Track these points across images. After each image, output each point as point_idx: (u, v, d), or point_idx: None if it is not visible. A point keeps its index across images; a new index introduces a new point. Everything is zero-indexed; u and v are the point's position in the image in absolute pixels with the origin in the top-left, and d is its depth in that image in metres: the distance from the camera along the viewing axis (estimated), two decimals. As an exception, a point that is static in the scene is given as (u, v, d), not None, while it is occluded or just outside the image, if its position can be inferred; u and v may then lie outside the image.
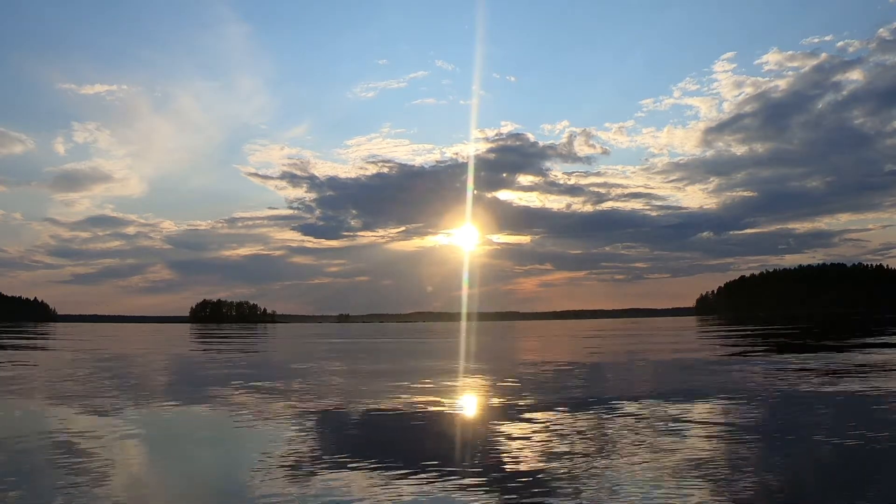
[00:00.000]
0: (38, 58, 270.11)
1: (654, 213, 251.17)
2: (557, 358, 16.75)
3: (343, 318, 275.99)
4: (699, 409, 8.18)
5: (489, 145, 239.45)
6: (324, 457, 5.76)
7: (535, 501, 4.38)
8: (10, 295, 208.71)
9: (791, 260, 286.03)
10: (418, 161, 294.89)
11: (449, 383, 11.08)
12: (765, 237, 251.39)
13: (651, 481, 4.81)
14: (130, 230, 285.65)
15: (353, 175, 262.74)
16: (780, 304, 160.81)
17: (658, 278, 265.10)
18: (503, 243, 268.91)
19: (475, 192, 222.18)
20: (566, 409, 8.27)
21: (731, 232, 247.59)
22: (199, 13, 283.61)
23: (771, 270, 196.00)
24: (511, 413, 8.07)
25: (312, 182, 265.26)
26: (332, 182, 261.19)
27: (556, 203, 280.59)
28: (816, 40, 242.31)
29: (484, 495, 4.56)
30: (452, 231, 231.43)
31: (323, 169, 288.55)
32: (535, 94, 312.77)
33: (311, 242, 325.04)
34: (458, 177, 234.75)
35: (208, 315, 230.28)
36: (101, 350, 25.05)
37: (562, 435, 6.60)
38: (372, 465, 5.43)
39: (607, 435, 6.58)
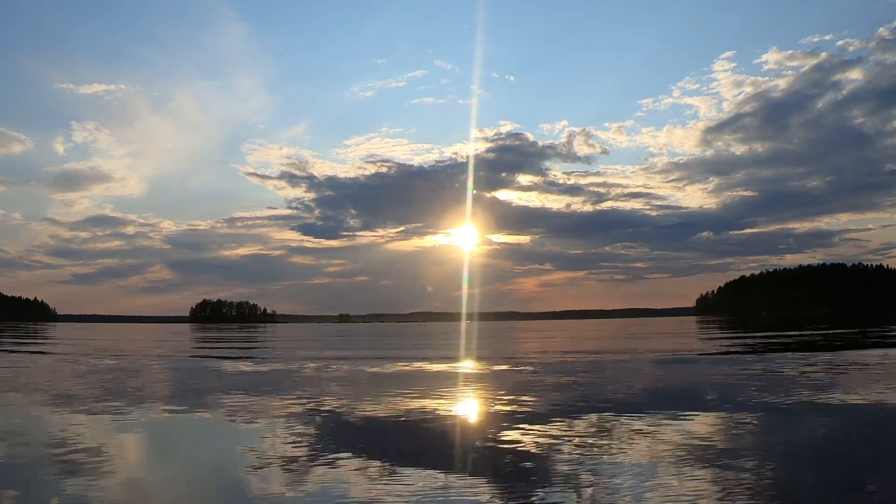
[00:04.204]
0: (37, 57, 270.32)
1: (653, 213, 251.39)
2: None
3: (343, 318, 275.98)
4: (701, 414, 8.14)
5: (488, 145, 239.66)
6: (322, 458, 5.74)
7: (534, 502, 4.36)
8: (9, 295, 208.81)
9: (791, 260, 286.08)
10: (417, 161, 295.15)
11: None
12: (765, 237, 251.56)
13: (648, 483, 4.78)
14: (130, 230, 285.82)
15: (351, 175, 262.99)
16: (780, 305, 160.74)
17: (658, 278, 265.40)
18: (503, 243, 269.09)
19: (474, 191, 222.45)
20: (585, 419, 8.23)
21: (731, 232, 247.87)
22: (198, 12, 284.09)
23: (771, 270, 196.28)
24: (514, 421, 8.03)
25: (311, 182, 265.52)
26: (331, 182, 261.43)
27: (555, 203, 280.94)
28: (816, 39, 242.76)
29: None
30: (452, 231, 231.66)
31: (322, 169, 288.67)
32: (535, 94, 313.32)
33: (310, 242, 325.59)
34: (457, 176, 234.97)
35: (208, 315, 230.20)
36: (94, 354, 25.07)
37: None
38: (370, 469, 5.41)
39: (609, 443, 6.56)
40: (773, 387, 9.97)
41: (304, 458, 5.61)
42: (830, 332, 31.18)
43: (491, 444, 6.16)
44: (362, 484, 4.83)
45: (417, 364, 16.09)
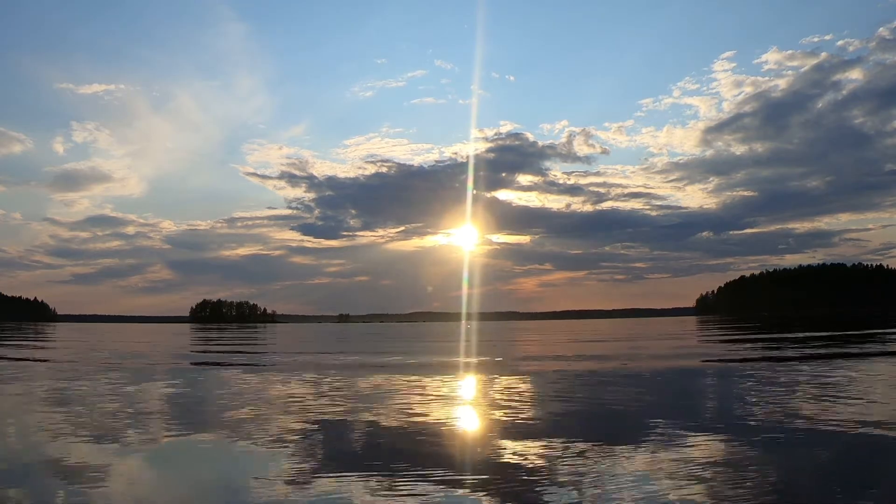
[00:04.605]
0: (37, 57, 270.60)
1: (653, 213, 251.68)
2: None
3: (343, 318, 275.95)
4: (701, 414, 8.07)
5: (488, 145, 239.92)
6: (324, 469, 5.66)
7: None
8: (10, 295, 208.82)
9: (791, 260, 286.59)
10: (417, 161, 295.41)
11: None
12: (765, 237, 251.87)
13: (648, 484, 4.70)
14: (130, 230, 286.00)
15: (351, 175, 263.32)
16: (780, 305, 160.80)
17: (658, 278, 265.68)
18: (503, 243, 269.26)
19: (474, 191, 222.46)
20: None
21: (731, 232, 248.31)
22: (198, 12, 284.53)
23: (771, 270, 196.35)
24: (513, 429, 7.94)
25: (311, 182, 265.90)
26: (331, 182, 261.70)
27: (555, 203, 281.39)
28: (816, 39, 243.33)
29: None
30: (452, 231, 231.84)
31: (322, 169, 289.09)
32: (535, 94, 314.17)
33: (310, 242, 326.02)
34: (457, 176, 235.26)
35: (208, 315, 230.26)
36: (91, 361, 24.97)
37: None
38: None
39: (608, 447, 6.49)
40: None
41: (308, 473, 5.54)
42: (850, 334, 31.05)
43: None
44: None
45: (416, 376, 16.04)
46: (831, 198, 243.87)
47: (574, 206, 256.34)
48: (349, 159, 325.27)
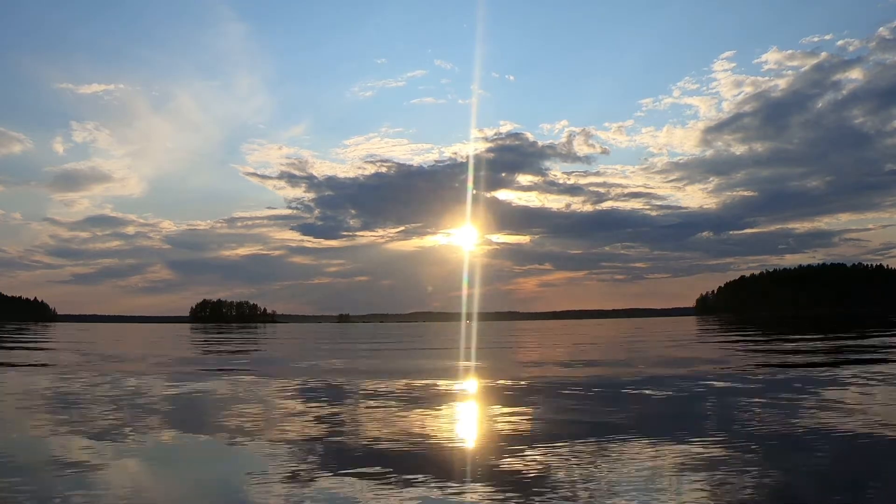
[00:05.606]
0: (37, 57, 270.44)
1: (653, 213, 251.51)
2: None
3: (343, 318, 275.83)
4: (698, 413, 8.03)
5: (488, 145, 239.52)
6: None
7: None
8: (9, 295, 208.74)
9: (791, 260, 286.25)
10: (417, 161, 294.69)
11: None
12: (765, 237, 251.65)
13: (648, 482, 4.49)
14: (130, 230, 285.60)
15: (351, 175, 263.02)
16: (780, 305, 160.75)
17: (658, 278, 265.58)
18: (502, 243, 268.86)
19: (474, 191, 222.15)
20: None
21: (731, 232, 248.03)
22: (198, 12, 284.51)
23: (771, 270, 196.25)
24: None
25: (311, 182, 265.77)
26: (331, 182, 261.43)
27: (555, 203, 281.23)
28: (816, 39, 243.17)
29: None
30: (452, 231, 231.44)
31: (321, 169, 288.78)
32: (535, 94, 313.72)
33: (310, 242, 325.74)
34: (456, 176, 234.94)
35: (208, 315, 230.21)
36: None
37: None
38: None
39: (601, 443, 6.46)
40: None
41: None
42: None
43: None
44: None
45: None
46: (831, 198, 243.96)
47: (574, 206, 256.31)
48: (349, 159, 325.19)
